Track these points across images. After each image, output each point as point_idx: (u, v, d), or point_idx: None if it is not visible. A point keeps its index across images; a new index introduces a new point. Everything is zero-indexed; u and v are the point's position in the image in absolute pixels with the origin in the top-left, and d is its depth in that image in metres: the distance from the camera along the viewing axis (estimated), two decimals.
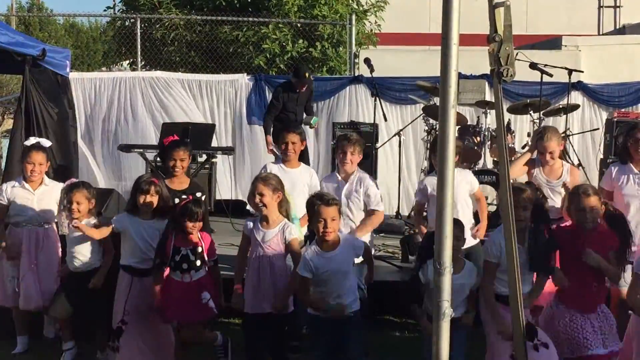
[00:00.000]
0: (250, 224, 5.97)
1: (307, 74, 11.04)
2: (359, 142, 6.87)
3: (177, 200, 6.43)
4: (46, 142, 7.38)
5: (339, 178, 6.81)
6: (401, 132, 11.88)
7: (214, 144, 11.94)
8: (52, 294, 6.81)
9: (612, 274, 5.63)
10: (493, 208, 10.10)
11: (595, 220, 5.59)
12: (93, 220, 6.55)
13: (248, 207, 11.68)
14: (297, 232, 5.98)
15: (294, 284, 5.70)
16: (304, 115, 11.30)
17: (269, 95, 13.47)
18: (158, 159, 9.66)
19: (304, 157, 10.59)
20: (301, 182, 6.83)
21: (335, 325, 5.45)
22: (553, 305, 5.69)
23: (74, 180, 6.96)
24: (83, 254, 6.51)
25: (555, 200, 6.87)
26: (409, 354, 6.78)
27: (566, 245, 5.58)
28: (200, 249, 6.09)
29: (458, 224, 4.83)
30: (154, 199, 6.31)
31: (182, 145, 6.96)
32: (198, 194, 6.43)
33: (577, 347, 5.50)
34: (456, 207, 6.43)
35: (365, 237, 6.53)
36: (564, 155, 9.03)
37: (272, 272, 5.85)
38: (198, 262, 6.07)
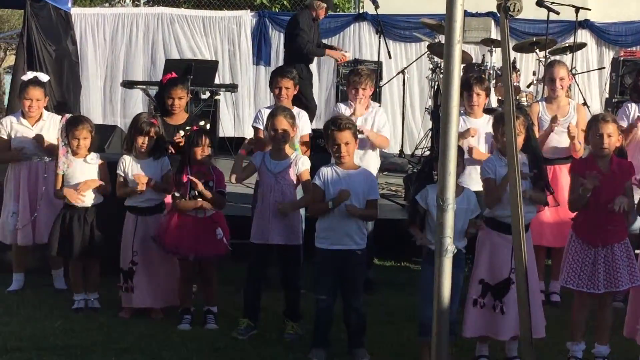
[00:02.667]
0: (260, 157, 6.02)
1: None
2: (370, 76, 6.88)
3: (182, 133, 6.46)
4: (44, 77, 7.28)
5: (354, 111, 6.80)
6: (405, 70, 11.81)
7: (217, 81, 11.87)
8: (49, 229, 6.74)
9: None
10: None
11: (612, 148, 5.53)
12: (96, 158, 6.52)
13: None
14: (309, 163, 6.05)
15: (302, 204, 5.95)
16: None
17: (272, 33, 13.39)
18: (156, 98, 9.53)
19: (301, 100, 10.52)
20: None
21: (340, 260, 5.51)
22: (570, 237, 5.66)
23: (70, 115, 6.83)
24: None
25: (561, 139, 6.80)
26: (410, 292, 6.82)
27: (582, 175, 5.54)
28: (211, 184, 6.12)
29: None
30: (152, 140, 6.31)
31: (179, 83, 6.93)
32: (201, 123, 6.39)
33: (576, 280, 5.52)
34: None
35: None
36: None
37: (283, 202, 5.90)
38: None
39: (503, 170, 5.33)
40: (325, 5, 10.35)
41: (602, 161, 5.53)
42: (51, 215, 6.80)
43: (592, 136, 5.60)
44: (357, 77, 6.80)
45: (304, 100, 9.84)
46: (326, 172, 5.60)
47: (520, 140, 5.31)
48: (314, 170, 5.93)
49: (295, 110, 6.84)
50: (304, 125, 6.86)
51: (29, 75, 7.24)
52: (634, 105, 7.09)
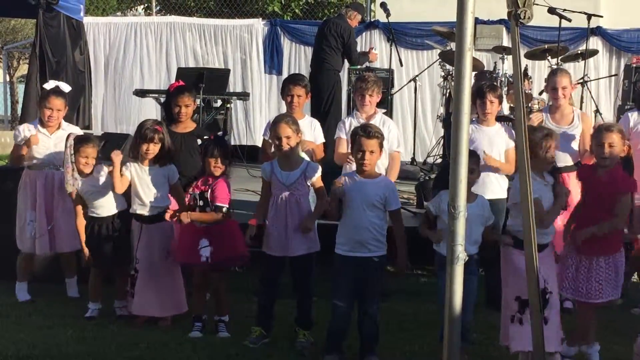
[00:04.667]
0: (269, 168, 5.93)
1: None
2: (376, 83, 6.84)
3: (199, 142, 6.50)
4: (66, 87, 7.28)
5: (362, 119, 6.75)
6: (417, 78, 11.81)
7: (229, 89, 11.90)
8: (68, 237, 6.84)
9: (615, 225, 5.49)
10: None
11: (614, 158, 5.51)
12: (105, 168, 6.51)
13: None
14: (319, 168, 5.94)
15: (319, 211, 5.83)
16: None
17: (283, 41, 13.43)
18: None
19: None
20: (306, 133, 6.72)
21: (358, 266, 5.48)
22: (565, 247, 5.66)
23: (75, 134, 6.82)
24: (104, 205, 6.45)
25: (567, 147, 6.75)
26: (422, 299, 6.81)
27: (583, 181, 5.56)
28: (206, 194, 6.05)
29: (472, 155, 4.77)
30: (157, 147, 6.27)
31: (186, 90, 6.94)
32: (219, 134, 6.37)
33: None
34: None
35: None
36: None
37: (299, 213, 5.83)
38: (207, 209, 6.07)
39: (538, 186, 5.23)
40: (360, 16, 10.80)
41: (602, 170, 5.54)
42: (68, 224, 6.82)
43: (594, 145, 5.60)
44: (363, 83, 6.78)
45: (336, 106, 10.12)
46: (345, 179, 5.58)
47: (550, 155, 5.32)
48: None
49: (308, 119, 6.87)
50: (318, 135, 6.85)
51: (51, 84, 7.24)
52: (635, 114, 7.04)
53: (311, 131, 6.76)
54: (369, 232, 5.51)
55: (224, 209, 6.07)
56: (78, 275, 7.08)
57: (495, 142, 6.56)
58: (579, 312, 5.68)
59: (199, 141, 6.55)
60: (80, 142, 6.49)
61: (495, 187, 6.48)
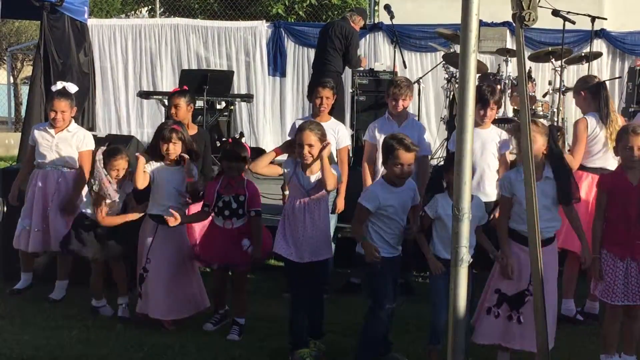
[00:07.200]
0: (292, 165, 5.71)
1: None
2: (409, 88, 7.01)
3: (218, 144, 6.51)
4: (73, 88, 7.28)
5: (395, 124, 6.90)
6: (421, 80, 11.80)
7: (232, 91, 11.92)
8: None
9: None
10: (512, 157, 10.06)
11: None
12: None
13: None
14: (338, 171, 5.73)
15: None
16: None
17: (287, 43, 13.46)
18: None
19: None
20: (329, 136, 6.70)
21: (396, 266, 5.50)
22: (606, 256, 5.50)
23: (104, 148, 6.79)
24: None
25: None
26: (427, 302, 6.80)
27: (608, 188, 5.46)
28: (242, 198, 6.09)
29: None
30: (177, 146, 6.26)
31: (181, 93, 7.03)
32: (236, 135, 6.37)
33: (611, 294, 5.44)
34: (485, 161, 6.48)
35: None
36: None
37: (314, 220, 5.65)
38: (240, 211, 6.10)
39: (520, 185, 5.24)
40: (364, 21, 11.04)
41: (632, 173, 5.43)
42: (62, 222, 6.85)
43: (621, 148, 5.48)
44: (397, 88, 6.92)
45: (338, 108, 10.15)
46: (375, 191, 5.47)
47: (537, 147, 5.22)
48: None
49: (333, 122, 6.97)
50: (343, 138, 6.97)
51: (58, 85, 7.27)
52: None
53: (334, 134, 6.82)
54: (398, 230, 5.50)
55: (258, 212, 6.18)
56: (72, 277, 7.07)
57: (488, 145, 6.51)
58: (628, 318, 5.51)
59: (218, 143, 6.58)
60: (109, 155, 6.48)
61: (488, 189, 6.51)
